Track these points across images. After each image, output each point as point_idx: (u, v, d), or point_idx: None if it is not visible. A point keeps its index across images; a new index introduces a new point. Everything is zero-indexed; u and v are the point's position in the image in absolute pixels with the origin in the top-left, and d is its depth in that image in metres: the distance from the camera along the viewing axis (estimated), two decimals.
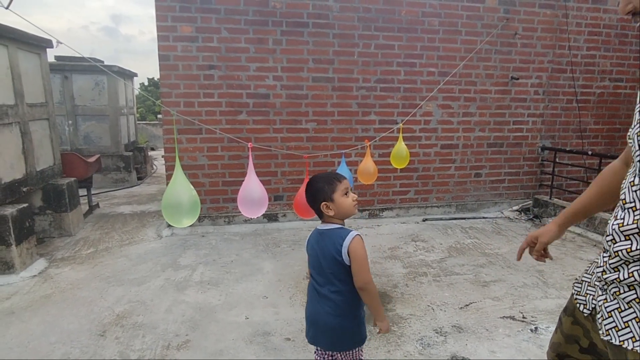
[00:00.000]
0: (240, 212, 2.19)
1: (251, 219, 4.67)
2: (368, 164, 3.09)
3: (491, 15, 4.82)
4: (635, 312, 0.97)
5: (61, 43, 1.76)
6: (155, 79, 26.63)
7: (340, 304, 1.53)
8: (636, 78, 5.53)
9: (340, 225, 1.59)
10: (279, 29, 4.44)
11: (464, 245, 4.15)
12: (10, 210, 3.33)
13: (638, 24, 1.03)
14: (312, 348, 1.71)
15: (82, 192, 5.07)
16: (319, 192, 1.58)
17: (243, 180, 2.24)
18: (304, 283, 3.25)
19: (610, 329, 1.02)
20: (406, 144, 3.41)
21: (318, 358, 1.67)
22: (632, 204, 0.96)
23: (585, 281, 1.17)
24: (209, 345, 2.43)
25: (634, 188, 0.96)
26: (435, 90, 4.62)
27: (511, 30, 4.90)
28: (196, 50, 4.31)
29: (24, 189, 3.76)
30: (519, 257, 1.42)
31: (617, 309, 1.01)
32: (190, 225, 4.56)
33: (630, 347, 0.96)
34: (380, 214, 5.08)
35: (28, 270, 3.41)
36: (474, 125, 5.11)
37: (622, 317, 1.00)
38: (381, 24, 4.64)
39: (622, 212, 0.99)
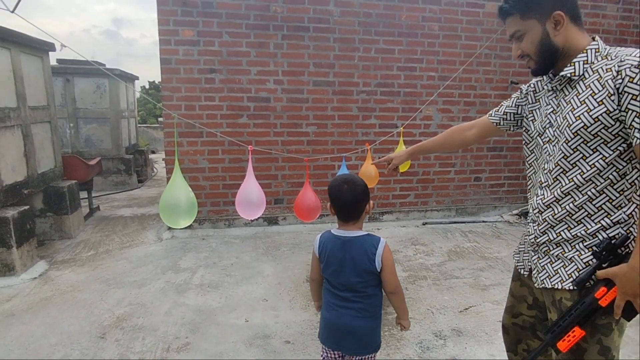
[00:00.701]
0: (240, 215, 2.21)
1: (251, 222, 4.68)
2: (369, 167, 3.10)
3: (491, 20, 4.85)
4: (562, 262, 1.29)
5: (65, 47, 1.78)
6: (157, 82, 26.73)
7: (366, 307, 1.54)
8: None
9: (366, 232, 1.56)
10: (280, 33, 4.47)
11: (464, 249, 4.16)
12: (11, 213, 3.34)
13: (527, 63, 1.31)
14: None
15: (83, 194, 5.08)
16: (367, 190, 1.58)
17: (242, 183, 2.26)
18: (304, 286, 3.25)
19: (544, 278, 1.34)
20: (406, 148, 3.42)
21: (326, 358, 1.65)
22: (547, 183, 1.31)
23: (521, 250, 1.50)
24: (208, 347, 2.43)
25: (545, 172, 1.32)
26: (435, 94, 4.64)
27: None
28: (197, 54, 4.34)
29: (25, 191, 3.78)
30: (374, 164, 2.08)
31: (548, 262, 1.33)
32: (190, 228, 4.59)
33: (559, 287, 1.28)
34: (380, 218, 5.09)
35: (28, 272, 3.41)
36: None
37: (552, 268, 1.32)
38: (381, 28, 4.67)
39: (541, 190, 1.33)
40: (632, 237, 1.20)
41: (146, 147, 9.16)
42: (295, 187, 4.73)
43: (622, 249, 1.19)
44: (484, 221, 5.13)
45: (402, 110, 4.89)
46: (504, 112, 1.59)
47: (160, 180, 8.07)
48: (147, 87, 27.43)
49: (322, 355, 1.67)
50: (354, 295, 1.52)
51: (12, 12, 1.46)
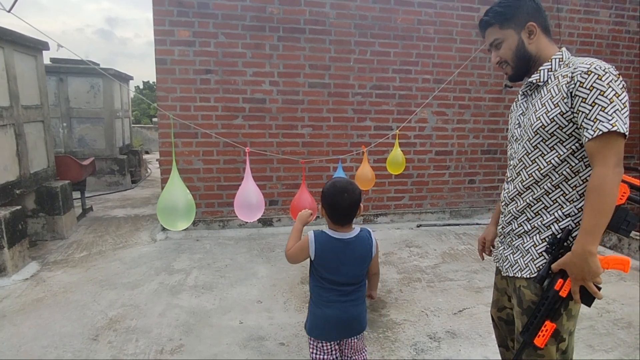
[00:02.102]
0: (234, 216, 2.20)
1: (246, 223, 4.67)
2: (365, 169, 3.11)
3: None
4: (521, 252, 1.43)
5: (62, 47, 1.77)
6: (151, 82, 26.61)
7: (362, 293, 1.70)
8: (628, 87, 5.61)
9: (359, 228, 1.67)
10: (276, 35, 4.47)
11: (458, 251, 4.18)
12: (3, 213, 3.31)
13: (504, 69, 1.48)
14: (306, 353, 1.72)
15: (76, 194, 5.04)
16: (361, 195, 1.66)
17: (238, 185, 2.25)
18: (299, 288, 3.25)
19: (507, 267, 1.48)
20: (401, 150, 3.44)
21: (327, 353, 1.70)
22: (511, 178, 1.48)
23: (497, 245, 1.62)
24: (203, 349, 2.42)
25: (510, 167, 1.49)
26: (431, 97, 4.67)
27: None
28: (193, 55, 4.33)
29: (18, 191, 3.74)
30: (482, 258, 1.86)
31: (511, 253, 1.48)
32: (184, 229, 4.56)
33: (518, 275, 1.42)
34: (375, 220, 5.10)
35: (20, 273, 3.38)
36: (468, 132, 5.17)
37: (513, 258, 1.46)
38: (377, 31, 4.69)
39: (507, 184, 1.51)
40: (575, 229, 1.31)
41: (140, 148, 9.12)
42: (290, 189, 4.73)
43: (569, 240, 1.30)
44: (477, 224, 5.16)
45: (397, 113, 4.91)
46: None
47: (154, 180, 8.03)
48: (141, 87, 27.29)
49: (314, 350, 1.70)
50: (354, 287, 1.64)
51: (9, 11, 1.45)
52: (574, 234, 1.31)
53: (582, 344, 2.50)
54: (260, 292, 3.17)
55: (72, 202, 4.58)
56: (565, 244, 1.30)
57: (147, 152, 11.66)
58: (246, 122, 4.57)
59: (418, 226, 5.01)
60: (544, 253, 1.35)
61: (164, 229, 4.52)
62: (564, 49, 1.38)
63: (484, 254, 1.82)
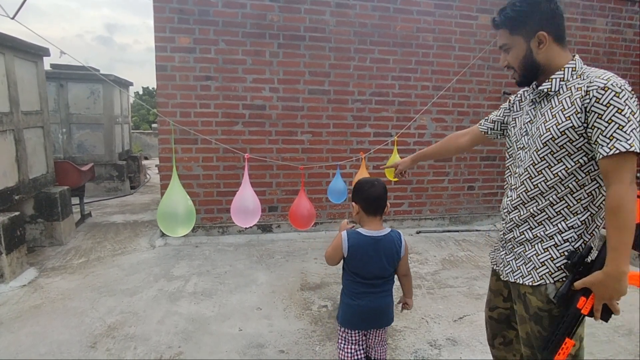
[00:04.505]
0: (234, 222, 2.20)
1: (245, 229, 4.65)
2: (363, 176, 3.11)
3: (484, 31, 4.93)
4: (523, 260, 1.43)
5: (65, 53, 1.78)
6: (150, 88, 26.67)
7: (390, 287, 1.84)
8: None
9: (390, 229, 1.80)
10: (276, 42, 4.50)
11: (458, 257, 4.17)
12: (1, 219, 3.29)
13: (512, 75, 1.45)
14: None
15: (75, 200, 5.02)
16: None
17: (237, 191, 2.25)
18: (298, 295, 3.24)
19: (508, 272, 1.49)
20: (400, 157, 3.44)
21: (354, 343, 1.84)
22: (515, 186, 1.45)
23: (496, 248, 1.63)
24: (202, 357, 2.40)
25: (515, 175, 1.47)
26: (430, 104, 4.69)
27: None
28: (193, 61, 4.35)
29: (16, 197, 3.73)
30: (385, 169, 2.23)
31: (513, 259, 1.48)
32: (183, 236, 4.54)
33: (520, 282, 1.43)
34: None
35: (18, 279, 3.36)
36: None
37: (515, 264, 1.46)
38: (377, 38, 4.72)
39: (510, 192, 1.48)
40: (593, 246, 1.33)
41: (139, 153, 9.11)
42: (290, 195, 4.72)
43: (588, 258, 1.30)
44: (477, 230, 5.16)
45: (396, 119, 4.93)
46: (492, 120, 1.72)
47: (153, 186, 8.01)
48: (140, 92, 27.34)
49: (342, 342, 1.85)
50: (383, 281, 1.79)
51: (12, 18, 1.46)
52: (592, 251, 1.31)
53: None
54: (259, 299, 3.16)
55: (70, 208, 4.57)
56: (586, 260, 1.29)
57: (146, 158, 11.65)
58: (246, 128, 4.58)
59: (417, 232, 5.00)
60: (562, 267, 1.34)
61: (163, 235, 4.50)
62: (577, 57, 1.35)
63: (394, 178, 2.09)
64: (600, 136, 1.19)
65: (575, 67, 1.32)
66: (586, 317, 1.30)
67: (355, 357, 1.83)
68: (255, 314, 2.93)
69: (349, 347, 1.83)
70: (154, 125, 15.52)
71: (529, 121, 1.43)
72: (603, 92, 1.18)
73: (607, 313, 1.27)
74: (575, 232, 1.33)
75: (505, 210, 1.51)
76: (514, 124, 1.53)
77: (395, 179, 2.28)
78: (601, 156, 1.20)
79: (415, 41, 4.82)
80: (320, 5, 4.54)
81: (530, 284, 1.39)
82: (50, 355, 2.39)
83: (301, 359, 2.41)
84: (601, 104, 1.19)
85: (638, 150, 1.16)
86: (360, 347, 1.85)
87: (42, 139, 4.37)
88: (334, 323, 2.81)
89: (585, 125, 1.23)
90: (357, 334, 1.83)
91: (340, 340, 1.86)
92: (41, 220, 4.19)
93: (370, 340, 1.88)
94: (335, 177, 3.05)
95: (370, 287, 1.76)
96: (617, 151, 1.16)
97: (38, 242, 4.20)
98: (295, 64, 4.58)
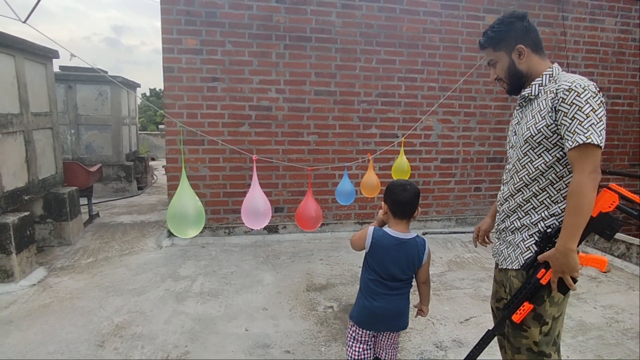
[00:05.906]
0: (240, 223, 2.21)
1: (251, 230, 4.67)
2: (371, 177, 3.11)
3: None
4: (512, 247, 1.59)
5: (75, 56, 1.80)
6: (157, 89, 26.84)
7: (407, 291, 1.82)
8: (634, 95, 5.60)
9: (415, 234, 1.79)
10: (282, 43, 4.51)
11: (464, 259, 4.15)
12: (11, 219, 3.34)
13: (501, 85, 1.65)
14: None
15: (83, 201, 5.07)
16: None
17: (244, 192, 2.26)
18: (304, 295, 3.24)
19: (502, 260, 1.64)
20: (407, 158, 3.44)
21: (363, 342, 1.84)
22: (505, 181, 1.65)
23: (495, 240, 1.75)
24: (208, 357, 2.42)
25: (505, 171, 1.66)
26: (436, 105, 4.67)
27: None
28: (200, 63, 4.38)
29: (26, 198, 3.78)
30: (475, 245, 1.97)
31: (505, 247, 1.64)
32: None
33: (509, 267, 1.60)
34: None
35: (27, 279, 3.40)
36: (473, 139, 5.16)
37: (507, 252, 1.62)
38: (383, 39, 4.72)
39: (503, 186, 1.68)
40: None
41: (146, 154, 9.18)
42: (296, 196, 4.73)
43: (556, 238, 1.44)
44: None
45: (402, 120, 4.92)
46: None
47: (160, 187, 8.07)
48: (147, 94, 27.54)
49: (352, 335, 1.85)
50: (401, 284, 1.78)
51: (24, 22, 1.48)
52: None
53: (591, 354, 2.47)
54: (265, 300, 3.17)
55: (79, 209, 4.62)
56: (553, 239, 1.45)
57: (153, 159, 11.74)
58: (252, 129, 4.59)
59: (424, 234, 4.99)
60: (532, 246, 1.52)
61: (169, 236, 4.54)
62: (555, 65, 1.54)
63: (477, 242, 1.95)
64: (566, 131, 1.37)
65: (552, 74, 1.50)
66: (589, 322, 1.35)
67: (363, 357, 1.83)
68: (261, 315, 2.94)
69: (357, 345, 1.84)
70: (161, 126, 15.62)
71: (517, 123, 1.62)
72: (568, 93, 1.35)
73: (564, 287, 1.42)
74: (556, 220, 1.49)
75: (498, 203, 1.70)
76: (509, 128, 1.73)
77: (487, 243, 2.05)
78: (567, 149, 1.37)
79: (422, 42, 4.81)
80: (327, 7, 4.55)
81: (517, 267, 1.56)
82: (59, 353, 2.41)
83: (307, 359, 2.41)
84: (566, 103, 1.36)
85: (595, 143, 1.31)
86: (369, 347, 1.85)
87: (51, 140, 4.43)
88: (340, 324, 2.81)
89: (555, 123, 1.40)
90: (367, 334, 1.84)
91: (349, 337, 1.87)
92: (50, 221, 4.24)
93: (381, 342, 1.88)
94: (343, 178, 3.05)
95: (387, 289, 1.77)
96: (577, 144, 1.33)
97: (47, 242, 4.25)
98: (301, 65, 4.59)
